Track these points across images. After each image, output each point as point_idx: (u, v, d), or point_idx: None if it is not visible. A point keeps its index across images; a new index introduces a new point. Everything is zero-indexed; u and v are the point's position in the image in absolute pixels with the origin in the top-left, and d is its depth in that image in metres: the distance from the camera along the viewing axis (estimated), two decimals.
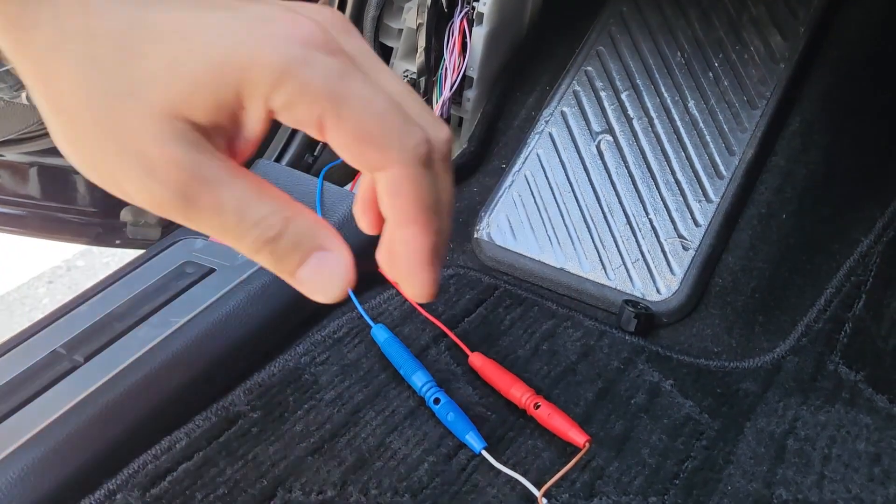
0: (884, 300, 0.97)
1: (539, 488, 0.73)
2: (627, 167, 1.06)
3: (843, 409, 0.86)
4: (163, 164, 0.37)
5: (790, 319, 0.97)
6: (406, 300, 0.93)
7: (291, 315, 0.88)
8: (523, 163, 1.09)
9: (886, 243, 1.02)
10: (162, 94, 0.37)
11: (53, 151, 1.15)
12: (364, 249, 0.96)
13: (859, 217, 1.06)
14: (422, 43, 1.07)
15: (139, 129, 0.37)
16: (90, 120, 0.37)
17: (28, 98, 0.99)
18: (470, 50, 1.11)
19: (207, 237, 0.92)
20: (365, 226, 0.48)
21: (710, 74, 1.11)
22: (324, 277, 0.42)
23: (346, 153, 0.39)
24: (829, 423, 0.85)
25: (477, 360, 0.86)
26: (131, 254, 1.02)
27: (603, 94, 1.12)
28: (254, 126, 0.39)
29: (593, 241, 1.02)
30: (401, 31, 1.13)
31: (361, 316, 0.89)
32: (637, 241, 1.01)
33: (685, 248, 1.00)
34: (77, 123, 0.38)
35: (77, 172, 1.24)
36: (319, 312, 0.92)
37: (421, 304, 0.92)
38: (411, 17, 1.10)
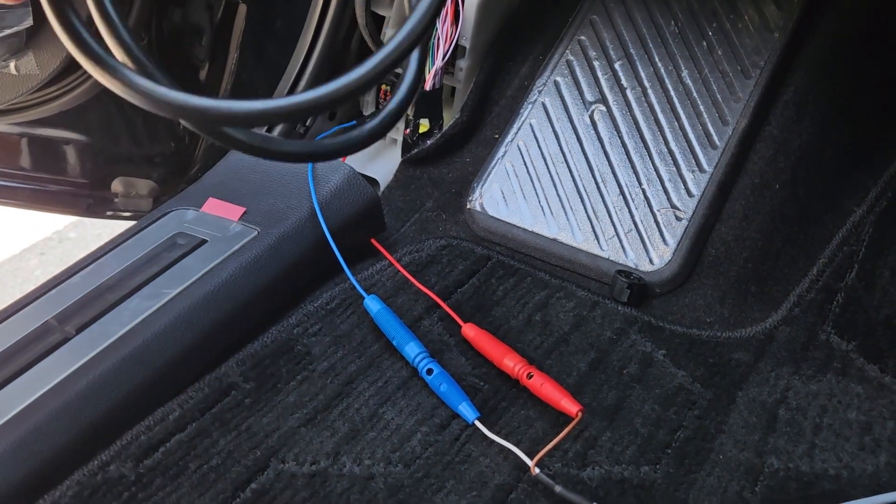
0: (876, 270, 0.97)
1: (532, 458, 0.73)
2: (621, 137, 1.06)
3: (835, 378, 0.86)
4: None
5: (783, 289, 0.97)
6: (399, 271, 0.93)
7: (284, 286, 0.88)
8: (516, 133, 1.08)
9: (879, 213, 1.02)
10: None
11: (44, 122, 1.14)
12: (356, 221, 0.96)
13: (852, 187, 1.05)
14: None
15: None
16: None
17: (17, 68, 0.98)
18: (462, 19, 1.10)
19: (199, 208, 0.92)
20: None
21: (704, 44, 1.11)
22: None
23: None
24: (821, 392, 0.85)
25: (470, 330, 0.86)
26: (123, 225, 1.02)
27: (596, 63, 1.11)
28: None
29: (586, 212, 1.02)
30: None
31: (354, 287, 0.89)
32: (630, 211, 1.01)
33: (678, 219, 1.00)
34: None
35: (68, 143, 1.23)
36: (312, 283, 0.92)
37: (414, 275, 0.92)
38: None
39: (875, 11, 1.14)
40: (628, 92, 1.09)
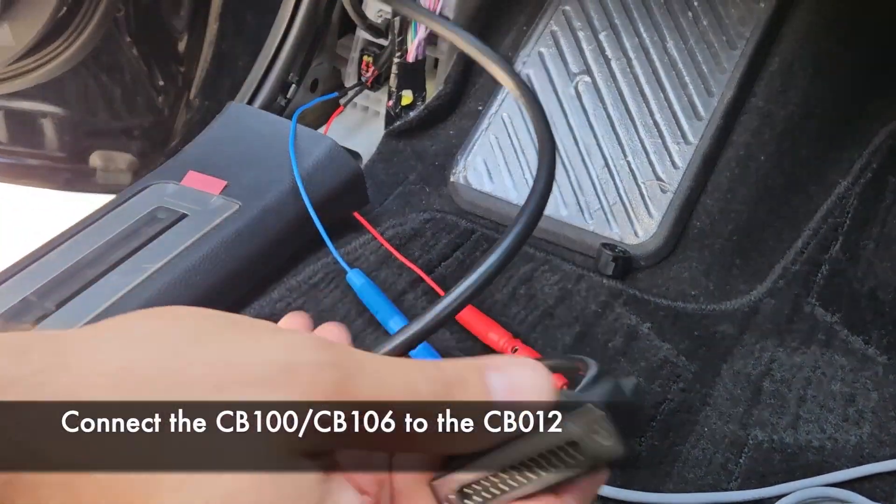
0: (860, 242, 0.97)
1: None
2: (605, 109, 1.05)
3: (819, 350, 0.86)
4: None
5: (767, 262, 0.97)
6: (382, 245, 0.92)
7: (266, 260, 0.87)
8: (500, 104, 1.07)
9: (864, 185, 1.02)
10: None
11: (20, 95, 1.12)
12: (339, 194, 0.95)
13: (837, 159, 1.05)
14: None
15: None
16: None
17: None
18: None
19: (179, 181, 0.91)
20: None
21: (690, 14, 1.10)
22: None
23: None
24: (805, 364, 0.85)
25: None
26: (102, 199, 1.01)
27: (581, 34, 1.10)
28: None
29: (571, 185, 1.01)
30: None
31: (337, 261, 0.88)
32: (615, 183, 1.01)
33: (663, 191, 1.00)
34: None
35: (45, 116, 1.21)
36: (295, 258, 0.91)
37: (397, 249, 0.91)
38: None
39: None
40: (613, 63, 1.08)
